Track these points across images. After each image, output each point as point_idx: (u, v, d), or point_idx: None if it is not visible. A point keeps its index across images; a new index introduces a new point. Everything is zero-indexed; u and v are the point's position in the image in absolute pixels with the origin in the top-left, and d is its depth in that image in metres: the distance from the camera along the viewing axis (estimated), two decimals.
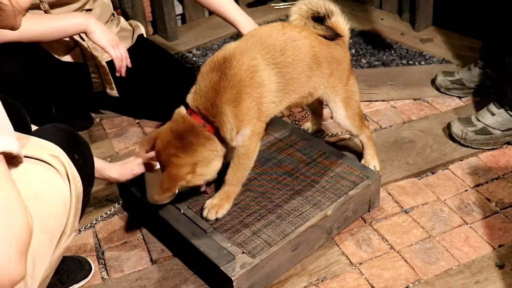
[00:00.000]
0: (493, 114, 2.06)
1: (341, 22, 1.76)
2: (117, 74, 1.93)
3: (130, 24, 2.32)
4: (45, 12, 1.91)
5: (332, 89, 1.75)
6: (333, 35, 1.73)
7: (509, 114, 2.04)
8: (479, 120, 2.08)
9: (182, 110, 1.60)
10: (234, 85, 1.52)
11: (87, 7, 2.05)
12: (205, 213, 1.66)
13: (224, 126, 1.54)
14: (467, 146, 2.08)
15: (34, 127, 1.37)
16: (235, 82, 1.52)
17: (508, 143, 2.09)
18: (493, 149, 2.08)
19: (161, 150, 1.56)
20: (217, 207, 1.65)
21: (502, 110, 2.05)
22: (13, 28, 1.10)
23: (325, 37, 1.71)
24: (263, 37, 1.62)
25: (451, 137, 2.12)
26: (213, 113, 1.53)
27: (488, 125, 2.05)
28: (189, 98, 1.59)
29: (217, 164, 1.61)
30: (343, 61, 1.77)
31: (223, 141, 1.58)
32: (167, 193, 1.54)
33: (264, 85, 1.56)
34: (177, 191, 1.63)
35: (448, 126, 2.14)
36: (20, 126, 1.32)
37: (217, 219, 1.65)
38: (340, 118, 1.83)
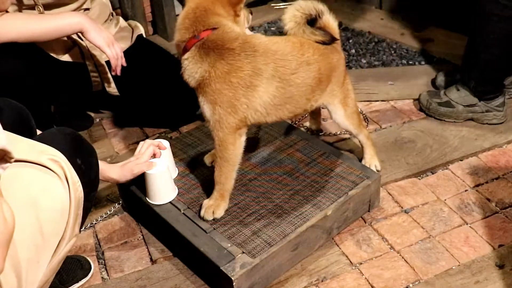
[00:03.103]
0: (458, 90, 2.22)
1: (331, 20, 1.74)
2: (113, 73, 1.93)
3: (130, 24, 2.31)
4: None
5: (330, 94, 1.76)
6: (330, 40, 1.70)
7: (471, 92, 2.18)
8: (445, 95, 2.25)
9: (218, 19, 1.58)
10: (234, 67, 1.52)
11: (84, 6, 2.05)
12: (202, 213, 1.66)
13: (192, 69, 1.55)
14: (431, 116, 2.26)
15: (39, 132, 1.37)
16: (236, 67, 1.52)
17: (471, 119, 2.22)
18: (454, 122, 2.22)
19: None
20: (213, 207, 1.66)
21: (466, 88, 2.20)
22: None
23: (324, 42, 1.69)
24: (284, 52, 1.60)
25: (419, 107, 2.32)
26: (208, 59, 1.53)
27: (452, 99, 2.22)
28: (217, 19, 1.58)
29: None
30: (340, 65, 1.77)
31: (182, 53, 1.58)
32: None
33: (255, 90, 1.55)
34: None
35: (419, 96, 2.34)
36: (25, 129, 1.31)
37: (215, 219, 1.65)
38: (339, 119, 1.83)
